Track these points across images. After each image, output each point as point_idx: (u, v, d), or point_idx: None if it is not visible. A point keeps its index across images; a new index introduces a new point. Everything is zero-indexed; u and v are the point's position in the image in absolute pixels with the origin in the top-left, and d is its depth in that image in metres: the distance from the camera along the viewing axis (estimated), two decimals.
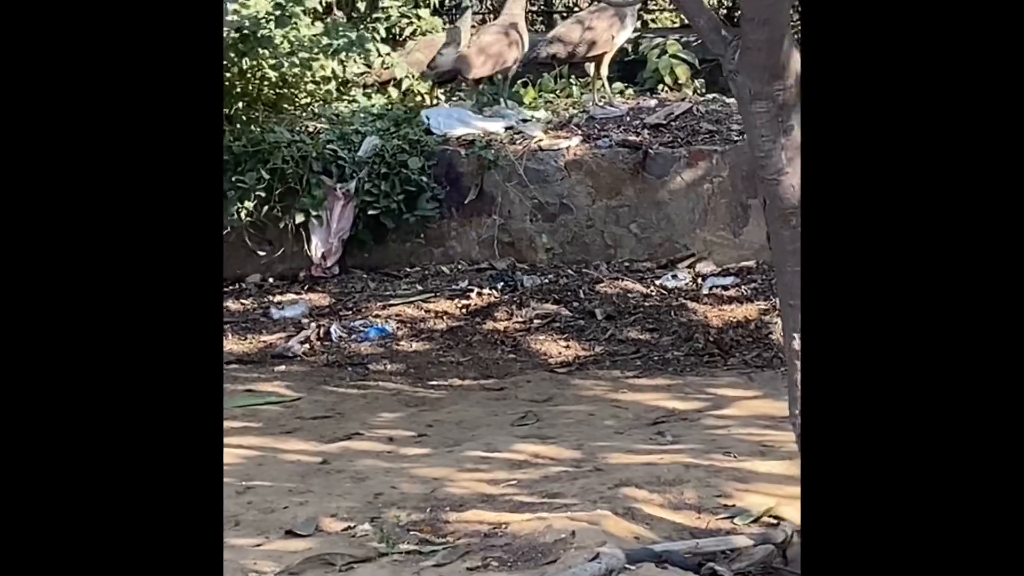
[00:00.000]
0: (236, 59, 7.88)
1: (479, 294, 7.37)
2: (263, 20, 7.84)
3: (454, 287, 7.53)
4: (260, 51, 7.88)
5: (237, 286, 7.82)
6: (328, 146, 7.92)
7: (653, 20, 11.90)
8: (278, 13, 7.88)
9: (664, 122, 8.04)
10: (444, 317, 7.21)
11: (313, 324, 7.23)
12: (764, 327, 6.75)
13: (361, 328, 7.13)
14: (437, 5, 10.27)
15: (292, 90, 8.49)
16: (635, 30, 9.25)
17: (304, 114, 8.51)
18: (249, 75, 8.16)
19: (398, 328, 7.12)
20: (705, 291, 7.25)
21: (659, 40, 9.54)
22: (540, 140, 7.98)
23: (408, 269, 7.92)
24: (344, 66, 8.43)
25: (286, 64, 8.07)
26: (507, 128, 8.13)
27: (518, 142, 7.97)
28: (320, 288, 7.77)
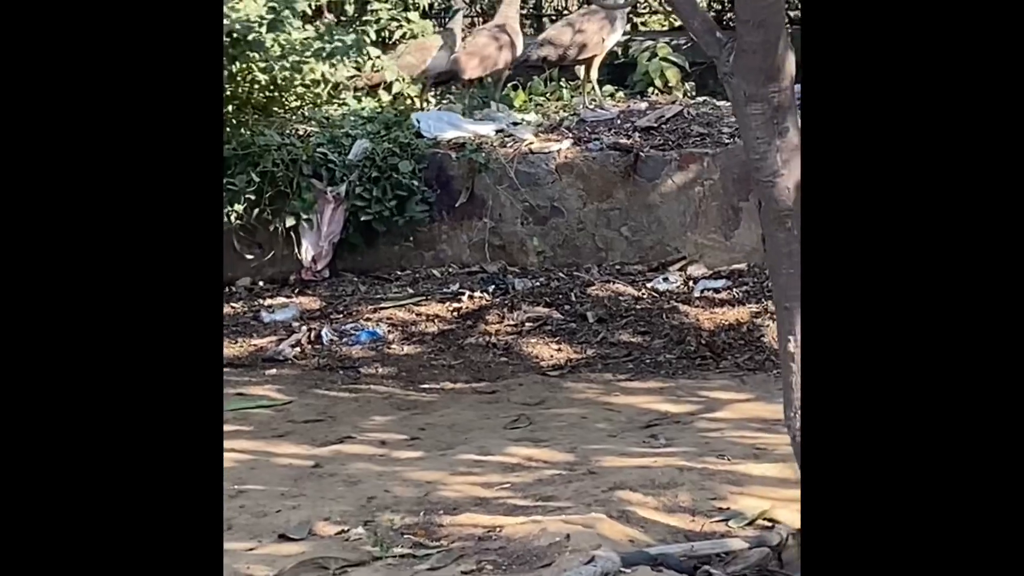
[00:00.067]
0: (226, 63, 7.86)
1: (470, 297, 7.36)
2: (254, 24, 7.81)
3: (445, 290, 7.52)
4: (251, 55, 7.86)
5: (227, 289, 7.79)
6: (318, 149, 7.90)
7: (643, 23, 11.91)
8: (271, 17, 7.86)
9: (655, 125, 8.04)
10: (435, 320, 7.19)
11: (304, 327, 7.21)
12: (756, 330, 6.75)
13: (352, 331, 7.12)
14: (426, 8, 10.26)
15: (282, 93, 8.47)
16: (624, 33, 9.25)
17: (294, 117, 8.49)
18: (239, 78, 8.14)
19: (389, 331, 7.10)
20: (696, 294, 7.24)
21: (649, 43, 9.54)
22: (531, 143, 7.97)
23: (399, 272, 7.91)
24: (335, 68, 8.40)
25: (277, 67, 8.04)
26: (498, 131, 8.12)
27: (509, 145, 7.96)
28: (311, 291, 7.76)
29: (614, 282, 7.44)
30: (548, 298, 7.32)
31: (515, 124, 8.22)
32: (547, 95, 8.93)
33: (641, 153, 7.76)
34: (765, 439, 5.04)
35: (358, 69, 8.74)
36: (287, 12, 7.95)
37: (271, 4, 7.92)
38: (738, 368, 6.44)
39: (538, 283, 7.52)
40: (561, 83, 9.01)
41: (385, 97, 8.93)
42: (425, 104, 8.89)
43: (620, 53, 9.58)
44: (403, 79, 8.87)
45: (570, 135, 8.05)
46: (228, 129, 7.94)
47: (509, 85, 8.90)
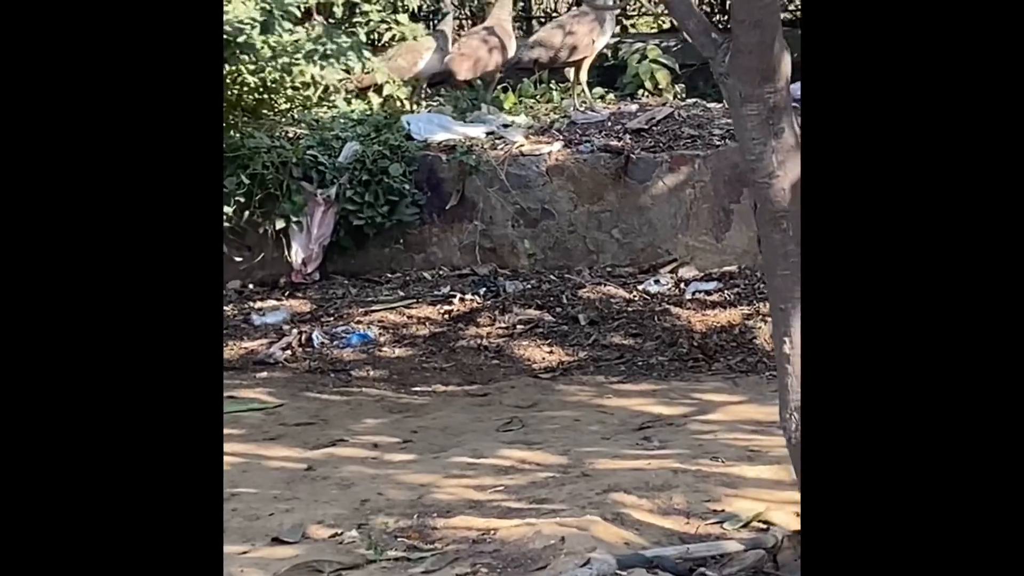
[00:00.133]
0: None
1: (461, 300, 7.35)
2: (244, 26, 7.79)
3: (436, 293, 7.51)
4: (241, 56, 7.84)
5: None
6: (308, 152, 7.88)
7: (632, 26, 11.91)
8: (263, 19, 7.84)
9: (646, 127, 8.03)
10: (426, 323, 7.18)
11: (294, 330, 7.19)
12: (748, 332, 6.74)
13: (343, 334, 7.10)
14: (416, 11, 10.25)
15: (272, 96, 8.45)
16: (614, 35, 9.25)
17: (284, 120, 8.47)
18: (229, 80, 8.12)
19: (380, 334, 7.09)
20: (688, 296, 7.23)
21: (639, 45, 9.54)
22: (521, 145, 7.96)
23: (389, 275, 7.89)
24: (325, 71, 8.38)
25: (268, 68, 8.02)
26: (488, 133, 8.11)
27: (499, 147, 7.95)
28: (301, 294, 7.74)
29: (605, 284, 7.43)
30: (539, 300, 7.31)
31: (505, 126, 8.21)
32: (537, 97, 8.93)
33: (632, 155, 7.75)
34: (759, 441, 5.03)
35: (347, 71, 8.72)
36: (279, 14, 7.93)
37: (262, 5, 7.90)
38: (730, 370, 6.43)
39: (529, 285, 7.50)
40: (551, 85, 9.00)
41: (375, 100, 8.91)
42: (415, 106, 8.87)
43: (610, 55, 9.58)
44: (394, 81, 8.86)
45: (561, 137, 8.04)
46: None
47: (499, 87, 8.89)
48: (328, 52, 8.05)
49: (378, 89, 8.98)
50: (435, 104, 8.94)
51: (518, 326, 7.05)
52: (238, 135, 7.92)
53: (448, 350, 6.88)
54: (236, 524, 4.38)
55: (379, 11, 9.61)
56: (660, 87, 9.15)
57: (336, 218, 7.83)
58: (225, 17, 7.81)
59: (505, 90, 8.90)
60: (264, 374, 6.72)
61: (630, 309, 7.10)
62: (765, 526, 4.08)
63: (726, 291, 7.24)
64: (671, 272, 7.56)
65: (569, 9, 11.23)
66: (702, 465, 4.69)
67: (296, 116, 8.51)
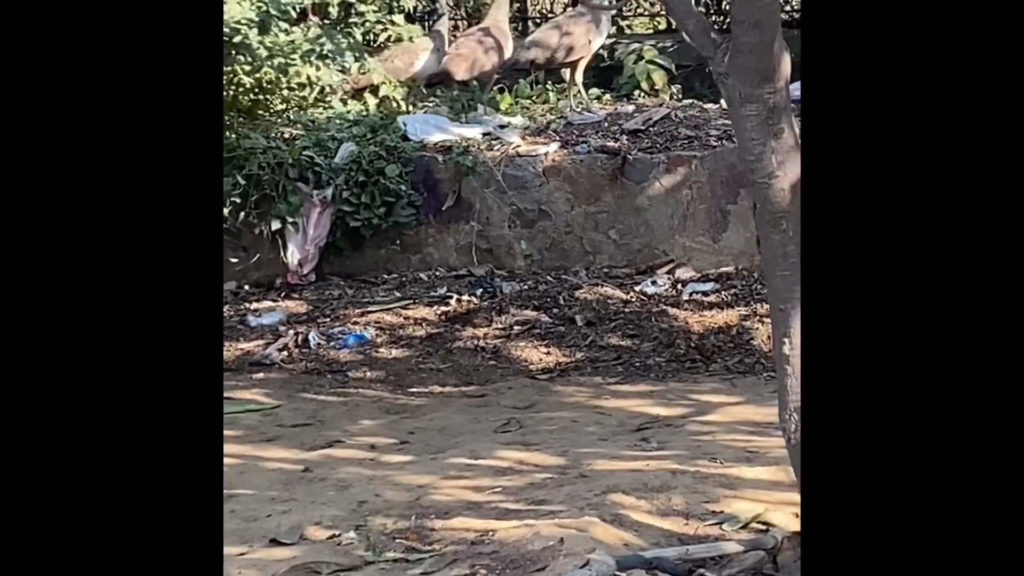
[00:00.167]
0: None
1: (458, 301, 7.34)
2: (240, 26, 7.77)
3: (432, 294, 7.50)
4: (237, 57, 7.83)
5: None
6: (304, 152, 7.87)
7: (628, 26, 11.90)
8: (259, 19, 7.82)
9: (642, 128, 8.02)
10: (423, 324, 7.17)
11: (291, 331, 7.18)
12: (745, 333, 6.73)
13: (339, 335, 7.09)
14: (411, 11, 10.24)
15: (268, 96, 8.44)
16: (609, 36, 9.24)
17: (279, 120, 8.46)
18: (224, 81, 8.10)
19: (377, 335, 7.07)
20: (685, 297, 7.23)
21: (635, 46, 9.53)
22: (518, 146, 7.95)
23: (385, 276, 7.88)
24: (320, 71, 8.36)
25: (265, 67, 8.01)
26: (485, 134, 8.10)
27: (496, 148, 7.94)
28: (297, 295, 7.72)
29: (602, 285, 7.42)
30: (536, 301, 7.30)
31: (502, 127, 8.20)
32: (533, 98, 8.92)
33: (629, 156, 7.74)
34: (757, 442, 5.02)
35: (343, 71, 8.70)
36: (276, 14, 7.91)
37: (258, 4, 7.89)
38: (728, 371, 6.42)
39: (526, 286, 7.49)
40: (547, 86, 8.99)
41: (371, 100, 8.90)
42: (411, 107, 8.86)
43: (606, 56, 9.57)
44: (390, 82, 8.85)
45: (557, 138, 8.03)
46: None
47: (495, 88, 8.88)
48: (325, 52, 8.03)
49: (374, 90, 8.97)
50: (431, 105, 8.93)
51: (515, 327, 7.04)
52: (234, 136, 7.90)
53: (445, 351, 6.87)
54: (234, 525, 4.37)
55: (375, 12, 9.60)
56: (656, 88, 9.14)
57: (332, 219, 7.82)
58: None
59: (501, 91, 8.89)
60: (260, 375, 6.70)
61: (627, 310, 7.09)
62: (764, 527, 4.07)
63: (723, 292, 7.24)
64: (668, 273, 7.55)
65: (565, 10, 11.22)
66: (700, 466, 4.68)
67: (292, 117, 8.50)
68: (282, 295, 7.74)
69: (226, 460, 5.10)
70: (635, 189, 7.72)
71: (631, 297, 7.25)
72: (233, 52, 7.77)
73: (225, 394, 6.24)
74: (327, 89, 8.69)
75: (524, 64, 8.63)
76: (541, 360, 6.70)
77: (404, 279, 7.79)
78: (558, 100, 8.75)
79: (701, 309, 7.05)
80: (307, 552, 4.12)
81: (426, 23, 10.42)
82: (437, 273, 7.80)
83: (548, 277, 7.61)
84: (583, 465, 4.83)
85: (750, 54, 3.33)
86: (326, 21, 9.53)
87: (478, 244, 7.83)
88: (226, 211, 7.68)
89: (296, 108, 8.60)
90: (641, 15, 12.02)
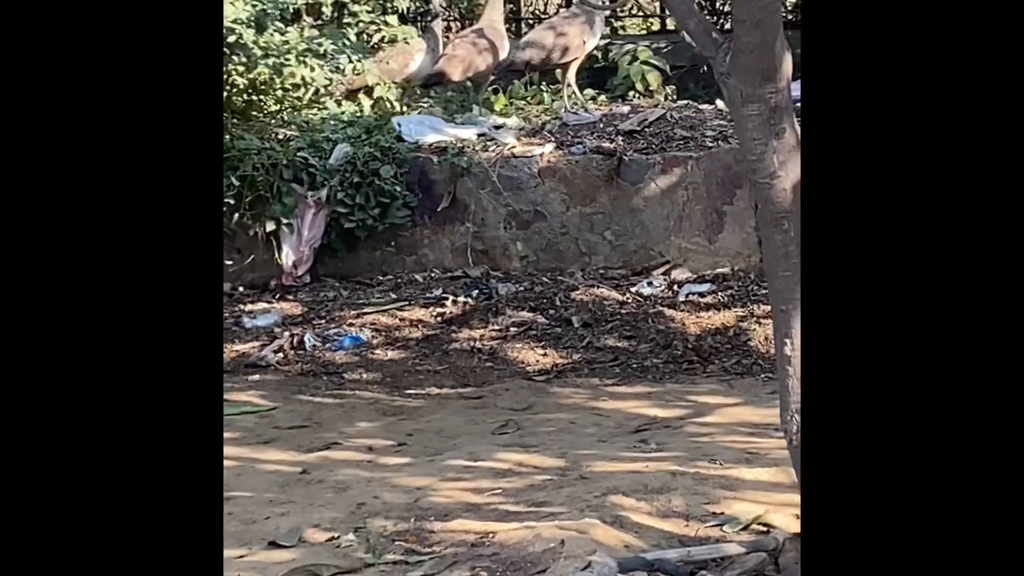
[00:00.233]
0: None
1: (454, 302, 7.32)
2: (235, 26, 7.76)
3: (428, 295, 7.48)
4: (231, 57, 7.81)
5: None
6: (299, 154, 7.85)
7: (622, 27, 11.90)
8: (256, 18, 7.80)
9: (638, 128, 8.01)
10: (419, 325, 7.15)
11: (286, 333, 7.16)
12: (742, 334, 6.72)
13: (335, 337, 7.07)
14: (404, 12, 10.23)
15: (262, 97, 8.42)
16: (603, 36, 9.23)
17: (274, 121, 8.44)
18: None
19: (373, 336, 7.06)
20: (681, 298, 7.21)
21: (629, 47, 9.52)
22: (513, 147, 7.94)
23: (380, 277, 7.86)
24: (314, 71, 8.34)
25: (260, 66, 7.98)
26: (480, 135, 8.08)
27: (491, 149, 7.92)
28: (292, 297, 7.70)
29: (598, 286, 7.41)
30: (532, 303, 7.28)
31: (497, 128, 8.19)
32: (528, 99, 8.90)
33: (624, 157, 7.73)
34: (756, 443, 5.01)
35: (338, 70, 8.68)
36: (275, 13, 7.89)
37: (253, 2, 7.87)
38: (725, 372, 6.41)
39: (522, 288, 7.48)
40: (542, 87, 8.98)
41: (366, 102, 8.88)
42: (405, 108, 8.85)
43: (600, 57, 9.56)
44: (384, 83, 8.83)
45: (552, 139, 8.02)
46: None
47: (489, 89, 8.86)
48: (324, 52, 8.01)
49: (368, 91, 8.95)
50: (425, 106, 8.91)
51: (511, 328, 7.02)
52: (228, 137, 7.88)
53: (441, 352, 6.85)
54: (232, 528, 4.35)
55: (368, 12, 9.58)
56: (651, 89, 9.13)
57: (327, 220, 7.80)
58: None
59: (496, 92, 8.88)
60: (256, 377, 6.68)
61: (623, 311, 7.08)
62: (765, 529, 4.06)
63: (720, 293, 7.22)
64: (664, 274, 7.54)
65: (558, 11, 11.21)
66: (700, 467, 4.67)
67: (286, 118, 8.48)
68: (277, 297, 7.72)
69: (224, 462, 5.12)
70: (631, 190, 7.71)
71: (627, 298, 7.24)
72: (228, 52, 7.75)
73: None
74: (322, 90, 8.66)
75: (519, 65, 8.61)
76: (538, 361, 6.69)
77: (399, 280, 7.78)
78: (552, 101, 8.74)
79: (698, 310, 7.04)
80: (306, 554, 4.10)
81: (419, 23, 10.40)
82: (432, 274, 7.78)
83: (544, 278, 7.60)
84: (582, 467, 4.82)
85: (752, 54, 3.31)
86: (319, 22, 9.51)
87: (473, 245, 7.81)
88: None
89: (290, 109, 8.58)
90: (634, 15, 12.01)
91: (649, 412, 5.76)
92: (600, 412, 5.81)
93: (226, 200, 7.65)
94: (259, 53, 7.90)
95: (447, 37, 9.50)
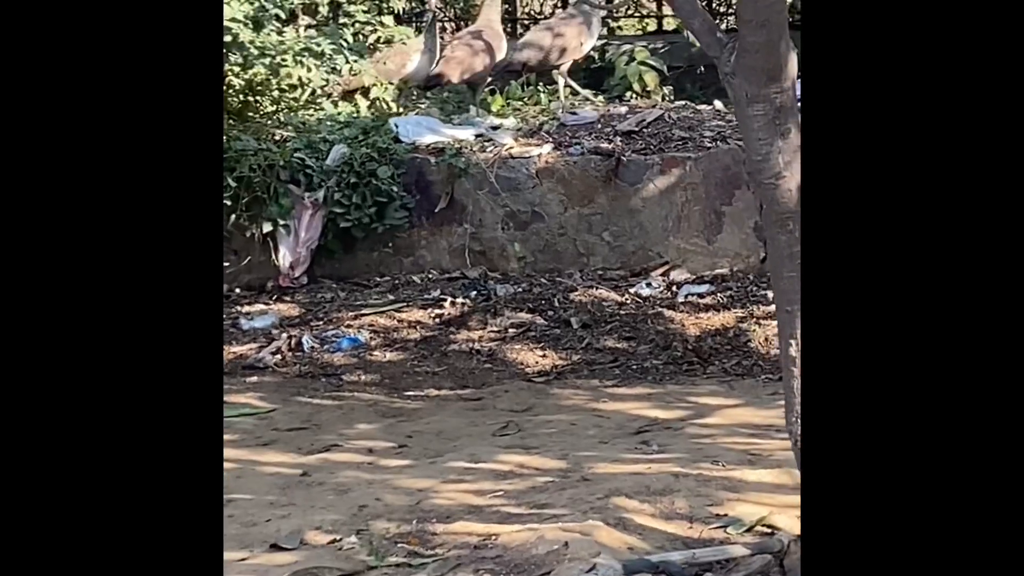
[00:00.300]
0: None
1: (452, 303, 7.30)
2: (231, 26, 7.73)
3: (426, 296, 7.46)
4: (228, 56, 7.78)
5: None
6: (295, 155, 7.82)
7: (619, 28, 11.88)
8: (254, 17, 7.78)
9: (636, 129, 7.99)
10: (417, 327, 7.13)
11: (284, 335, 7.13)
12: (742, 335, 6.71)
13: (333, 338, 7.05)
14: (400, 12, 10.21)
15: (258, 98, 8.39)
16: (600, 37, 9.22)
17: (270, 122, 8.42)
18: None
19: (371, 338, 7.03)
20: (680, 299, 7.20)
21: (626, 47, 9.50)
22: (510, 148, 7.92)
23: (378, 279, 7.84)
24: (311, 71, 8.32)
25: (256, 66, 7.96)
26: (477, 136, 8.06)
27: (488, 150, 7.90)
28: (289, 298, 7.68)
29: (597, 287, 7.39)
30: (531, 304, 7.26)
31: (494, 128, 8.17)
32: (525, 99, 8.89)
33: (622, 157, 7.71)
34: (758, 444, 5.00)
35: (334, 70, 8.66)
36: (276, 11, 7.87)
37: (253, 1, 7.85)
38: (726, 373, 6.40)
39: (520, 289, 7.46)
40: (539, 88, 8.96)
41: (362, 102, 8.86)
42: (402, 109, 8.83)
43: (597, 57, 9.55)
44: (381, 84, 8.81)
45: (550, 139, 8.00)
46: None
47: (487, 90, 8.85)
48: (322, 51, 7.99)
49: (365, 92, 8.93)
50: (422, 106, 8.90)
51: (510, 330, 7.01)
52: (225, 137, 7.85)
53: (440, 354, 6.83)
54: (233, 531, 4.33)
55: (364, 12, 9.56)
56: (648, 89, 9.11)
57: (324, 221, 7.78)
58: None
59: (493, 92, 8.86)
60: (254, 379, 6.66)
61: (622, 312, 7.06)
62: (769, 530, 4.05)
63: (719, 294, 7.21)
64: (662, 275, 7.52)
65: (553, 11, 11.20)
66: (703, 469, 4.65)
67: (283, 119, 8.46)
68: (274, 298, 7.70)
69: (224, 464, 5.11)
70: (629, 191, 7.69)
71: (626, 299, 7.22)
72: (224, 51, 7.73)
73: None
74: (318, 91, 8.64)
75: (516, 66, 8.60)
76: (537, 363, 6.67)
77: (397, 282, 7.75)
78: (550, 102, 8.72)
79: (697, 311, 7.02)
80: (308, 557, 4.08)
81: (414, 24, 10.38)
82: (430, 275, 7.76)
83: (542, 279, 7.58)
84: (584, 468, 4.80)
85: (757, 54, 3.30)
86: (316, 20, 9.50)
87: (471, 246, 7.79)
88: None
89: (287, 110, 8.55)
90: (631, 15, 11.99)
91: (650, 413, 5.74)
92: (601, 413, 5.80)
93: (223, 201, 7.62)
94: (256, 52, 7.88)
95: (442, 38, 9.48)
